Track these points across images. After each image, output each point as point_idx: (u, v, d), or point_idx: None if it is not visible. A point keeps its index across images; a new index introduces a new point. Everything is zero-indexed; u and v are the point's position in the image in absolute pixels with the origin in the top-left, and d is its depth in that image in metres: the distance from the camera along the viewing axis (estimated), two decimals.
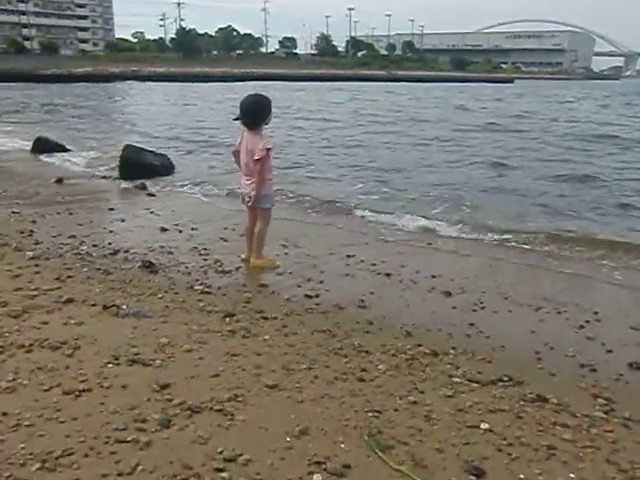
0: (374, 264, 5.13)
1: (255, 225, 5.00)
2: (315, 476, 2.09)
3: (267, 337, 3.38)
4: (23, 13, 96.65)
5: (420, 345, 3.40)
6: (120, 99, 35.64)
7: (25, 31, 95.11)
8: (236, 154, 4.98)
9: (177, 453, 2.15)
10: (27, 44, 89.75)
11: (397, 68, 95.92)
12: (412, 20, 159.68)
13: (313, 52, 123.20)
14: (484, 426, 2.51)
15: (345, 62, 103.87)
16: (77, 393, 2.54)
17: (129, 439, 2.21)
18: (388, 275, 4.86)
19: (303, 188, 8.66)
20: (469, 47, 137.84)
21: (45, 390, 2.55)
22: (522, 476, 2.19)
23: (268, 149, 4.71)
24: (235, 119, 4.79)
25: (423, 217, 6.93)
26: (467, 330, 3.76)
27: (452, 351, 3.39)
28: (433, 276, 4.86)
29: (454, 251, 5.71)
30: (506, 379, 3.03)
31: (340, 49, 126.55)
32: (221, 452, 2.18)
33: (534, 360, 3.36)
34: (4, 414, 2.32)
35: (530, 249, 5.82)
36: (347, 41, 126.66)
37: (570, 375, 3.19)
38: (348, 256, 5.35)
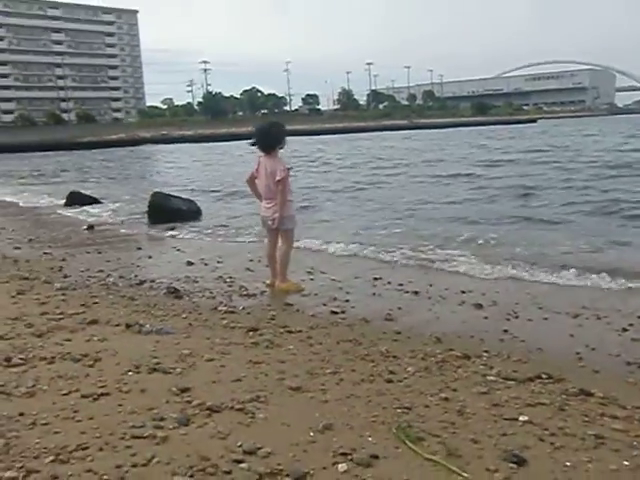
0: (401, 284, 5.01)
1: (278, 248, 4.97)
2: (340, 465, 1.95)
3: (291, 347, 3.28)
4: (62, 88, 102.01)
5: (451, 350, 3.25)
6: (150, 159, 36.84)
7: (63, 104, 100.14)
8: (251, 181, 5.00)
9: (194, 447, 2.05)
10: (65, 116, 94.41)
11: (419, 117, 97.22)
12: (431, 70, 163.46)
13: (335, 107, 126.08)
14: (523, 418, 2.34)
15: (367, 114, 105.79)
16: (95, 397, 2.47)
17: (145, 435, 2.12)
18: (416, 293, 4.73)
19: (325, 225, 8.64)
20: (490, 92, 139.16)
21: (64, 394, 2.49)
22: (568, 464, 2.01)
23: (288, 169, 4.74)
24: (252, 144, 4.85)
25: (452, 248, 6.75)
26: (500, 336, 3.60)
27: (485, 354, 3.22)
28: (463, 291, 4.71)
29: (483, 274, 5.53)
30: (545, 376, 2.86)
31: (362, 102, 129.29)
32: (240, 445, 2.06)
33: (575, 360, 3.18)
34: (21, 414, 2.27)
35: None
36: (368, 94, 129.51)
37: (616, 372, 3.00)
38: (375, 279, 5.24)
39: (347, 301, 4.48)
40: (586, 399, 2.59)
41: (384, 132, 67.58)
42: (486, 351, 3.27)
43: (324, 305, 4.38)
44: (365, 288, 4.92)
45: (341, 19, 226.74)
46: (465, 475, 1.91)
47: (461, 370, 2.93)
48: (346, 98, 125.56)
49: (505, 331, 3.68)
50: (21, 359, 2.95)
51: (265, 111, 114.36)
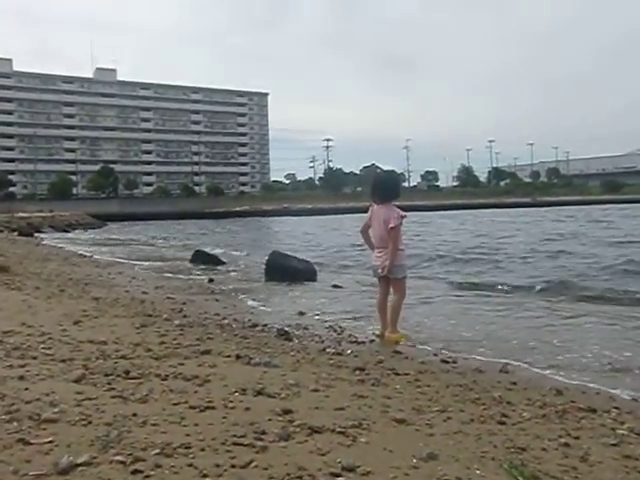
0: (517, 337, 4.71)
1: (388, 298, 4.92)
2: None
3: (397, 386, 3.16)
4: (196, 163, 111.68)
5: (573, 402, 2.96)
6: (271, 229, 38.63)
7: (196, 178, 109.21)
8: (365, 231, 5.05)
9: (293, 459, 2.01)
10: (197, 188, 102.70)
11: (542, 194, 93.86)
12: (556, 147, 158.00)
13: (455, 184, 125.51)
14: None
15: (487, 191, 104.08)
16: (202, 409, 2.53)
17: (246, 443, 2.12)
18: (533, 349, 4.41)
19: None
20: (621, 170, 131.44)
21: (173, 404, 2.58)
22: None
23: (402, 217, 4.75)
24: (371, 194, 4.94)
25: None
26: (635, 394, 3.21)
27: (615, 410, 2.89)
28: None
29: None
30: None
31: (482, 179, 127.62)
32: (339, 462, 1.99)
33: None
34: (134, 415, 2.37)
35: None
36: (489, 171, 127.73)
37: None
38: (491, 323, 4.98)
39: (459, 352, 4.28)
40: None
41: (506, 209, 65.61)
42: (616, 407, 2.94)
43: (435, 355, 4.21)
44: (479, 339, 4.68)
45: (462, 96, 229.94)
46: None
47: (585, 421, 2.65)
48: (466, 175, 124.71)
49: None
50: (138, 374, 3.11)
51: None
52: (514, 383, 3.40)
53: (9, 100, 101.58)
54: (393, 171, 5.17)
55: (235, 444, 2.12)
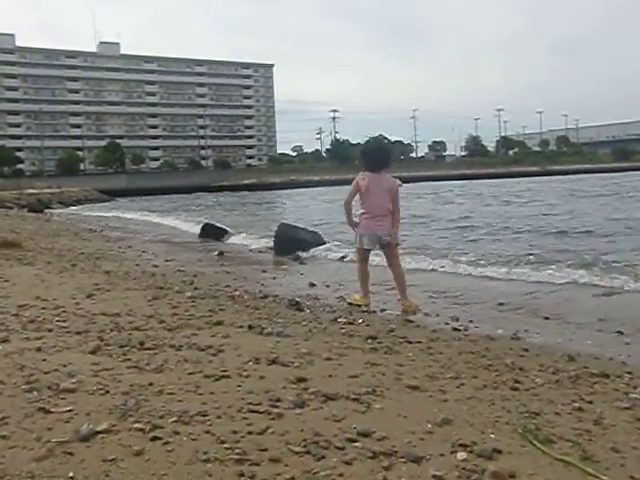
0: (530, 309, 4.71)
1: (394, 265, 4.89)
2: (459, 454, 1.83)
3: (410, 354, 3.18)
4: (202, 137, 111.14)
5: (586, 367, 2.96)
6: (277, 200, 38.55)
7: (203, 152, 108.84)
8: (350, 202, 4.96)
9: (309, 425, 2.03)
10: (203, 162, 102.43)
11: (551, 163, 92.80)
12: (565, 115, 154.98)
13: (463, 154, 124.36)
14: None
15: (496, 161, 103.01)
16: (217, 377, 2.56)
17: (261, 410, 2.15)
18: (546, 318, 4.41)
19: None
20: (633, 137, 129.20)
21: (188, 374, 2.61)
22: None
23: (399, 185, 4.70)
24: (364, 163, 4.87)
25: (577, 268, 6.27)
26: None
27: (627, 375, 2.90)
28: (600, 319, 4.32)
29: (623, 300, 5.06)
30: None
31: (490, 149, 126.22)
32: (355, 428, 2.01)
33: None
34: (150, 384, 2.40)
35: None
36: (497, 141, 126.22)
37: None
38: (500, 304, 4.99)
39: (471, 321, 4.29)
40: None
41: (514, 179, 64.93)
42: (629, 372, 2.94)
43: (446, 324, 4.23)
44: (490, 312, 4.69)
45: (468, 65, 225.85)
46: (604, 478, 1.70)
47: (598, 386, 2.66)
48: (474, 144, 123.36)
49: None
50: (153, 345, 3.15)
51: None
52: (526, 350, 3.41)
53: (13, 76, 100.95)
54: (382, 138, 5.08)
55: (251, 411, 2.14)
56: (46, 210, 29.13)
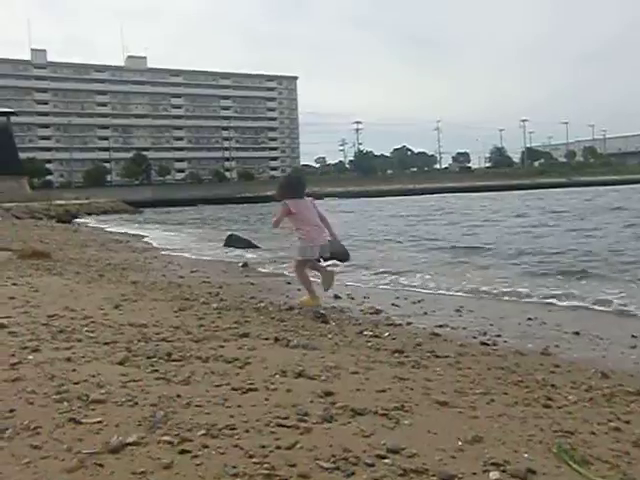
0: (559, 324, 4.62)
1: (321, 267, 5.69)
2: (492, 474, 1.79)
3: (438, 369, 3.13)
4: (226, 149, 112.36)
5: (621, 385, 2.88)
6: None
7: (227, 163, 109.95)
8: (278, 223, 5.78)
9: (337, 440, 2.01)
10: (227, 174, 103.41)
11: (578, 174, 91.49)
12: (592, 125, 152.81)
13: (487, 165, 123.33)
14: None
15: (521, 172, 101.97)
16: (244, 390, 2.55)
17: (289, 424, 2.14)
18: (577, 333, 4.32)
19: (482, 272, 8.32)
20: None
21: (216, 386, 2.61)
22: None
23: None
24: (286, 191, 5.60)
25: (611, 287, 6.14)
26: None
27: None
28: (633, 336, 4.21)
29: None
30: None
31: (515, 160, 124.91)
32: (384, 444, 1.99)
33: None
34: (178, 396, 2.41)
35: None
36: (522, 152, 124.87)
37: None
38: (529, 318, 4.90)
39: (499, 336, 4.22)
40: None
41: (540, 190, 63.94)
42: None
43: (474, 338, 4.16)
44: (518, 326, 4.61)
45: (492, 75, 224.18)
46: None
47: (635, 405, 2.58)
48: (498, 156, 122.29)
49: None
50: (180, 356, 3.16)
51: (415, 169, 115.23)
52: (557, 366, 3.33)
53: (44, 90, 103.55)
54: (299, 170, 6.04)
55: (279, 425, 2.13)
56: (74, 220, 29.69)
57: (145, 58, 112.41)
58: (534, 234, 13.97)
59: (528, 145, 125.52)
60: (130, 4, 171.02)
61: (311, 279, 5.74)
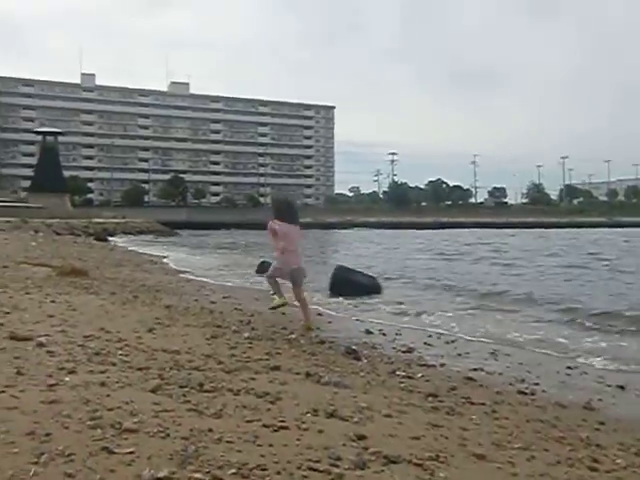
0: (601, 376, 4.45)
1: (298, 293, 6.17)
2: None
3: (474, 417, 3.04)
4: (262, 175, 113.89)
5: None
6: (334, 242, 38.69)
7: (262, 189, 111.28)
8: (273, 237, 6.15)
9: None
10: (262, 199, 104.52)
11: (620, 214, 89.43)
12: (637, 165, 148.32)
13: (524, 201, 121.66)
14: None
15: (559, 210, 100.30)
16: (275, 428, 2.51)
17: (321, 469, 2.09)
18: (622, 387, 4.14)
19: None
20: None
21: (247, 421, 2.58)
22: None
23: None
24: (280, 215, 6.07)
25: None
26: None
27: None
28: None
29: None
30: None
31: (553, 197, 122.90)
32: None
33: None
34: (209, 430, 2.38)
35: None
36: (561, 189, 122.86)
37: None
38: (568, 367, 4.74)
39: (537, 384, 4.08)
40: None
41: (579, 229, 62.37)
42: None
43: (510, 385, 4.04)
44: (557, 375, 4.46)
45: (532, 109, 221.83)
46: None
47: None
48: (536, 192, 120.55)
49: None
50: (212, 387, 3.14)
51: (449, 202, 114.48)
52: (602, 423, 3.19)
53: (90, 112, 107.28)
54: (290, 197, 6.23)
55: (311, 469, 2.08)
56: (110, 239, 30.33)
57: (188, 84, 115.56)
58: (573, 277, 13.64)
59: (567, 182, 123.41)
60: (175, 34, 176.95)
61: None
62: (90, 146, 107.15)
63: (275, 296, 6.27)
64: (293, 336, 5.46)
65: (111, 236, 33.80)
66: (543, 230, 59.17)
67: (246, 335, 5.15)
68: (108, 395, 2.80)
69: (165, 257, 18.60)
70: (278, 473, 2.02)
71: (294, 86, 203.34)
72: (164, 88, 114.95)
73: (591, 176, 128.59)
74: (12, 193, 71.18)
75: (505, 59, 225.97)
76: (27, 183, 66.66)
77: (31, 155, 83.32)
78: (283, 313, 7.18)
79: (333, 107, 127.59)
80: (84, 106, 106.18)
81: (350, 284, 9.96)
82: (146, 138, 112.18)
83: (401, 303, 9.02)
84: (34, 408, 2.50)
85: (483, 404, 3.36)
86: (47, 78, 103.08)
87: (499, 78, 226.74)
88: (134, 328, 4.94)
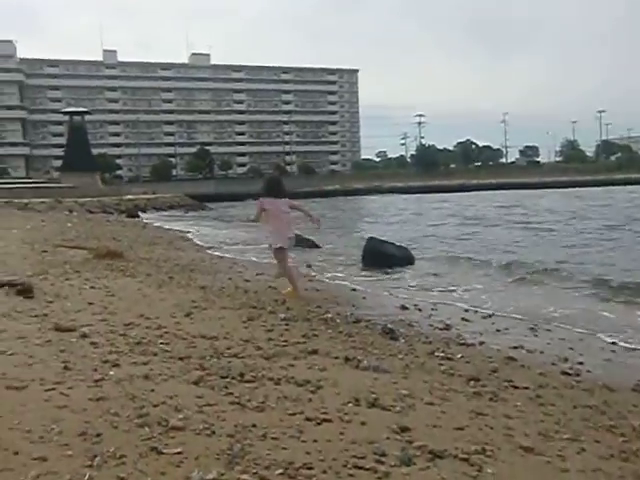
0: None
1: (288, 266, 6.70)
2: None
3: (518, 403, 3.00)
4: (287, 143, 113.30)
5: None
6: (361, 208, 38.50)
7: (287, 158, 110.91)
8: (257, 218, 6.93)
9: None
10: (288, 168, 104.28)
11: None
12: None
13: (558, 159, 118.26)
14: None
15: (595, 167, 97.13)
16: (318, 421, 2.52)
17: (367, 467, 2.09)
18: None
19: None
20: None
21: (290, 414, 2.59)
22: None
23: None
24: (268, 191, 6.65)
25: None
26: None
27: None
28: None
29: None
30: None
31: (589, 154, 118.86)
32: None
33: None
34: (253, 425, 2.40)
35: None
36: (597, 145, 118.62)
37: None
38: (613, 343, 4.64)
39: (581, 363, 4.00)
40: None
41: (617, 187, 60.16)
42: None
43: (553, 365, 3.97)
44: (602, 352, 4.37)
45: (565, 63, 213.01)
46: None
47: None
48: (570, 149, 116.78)
49: None
50: (252, 377, 3.17)
51: (479, 163, 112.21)
52: None
53: (114, 89, 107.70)
54: (279, 174, 6.75)
55: (356, 467, 2.08)
56: (141, 215, 30.74)
57: (209, 55, 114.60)
58: (610, 244, 13.29)
59: (604, 138, 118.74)
60: (194, 4, 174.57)
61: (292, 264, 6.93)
62: (116, 123, 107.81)
63: (290, 289, 6.64)
64: (329, 315, 5.46)
65: (143, 212, 34.26)
66: (578, 189, 57.71)
67: (282, 316, 5.17)
68: (152, 390, 2.84)
69: (197, 232, 18.79)
70: (324, 472, 2.03)
71: (316, 52, 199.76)
72: (185, 60, 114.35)
73: (630, 130, 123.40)
74: (45, 174, 72.55)
75: (537, 11, 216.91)
76: (58, 163, 67.60)
77: (60, 135, 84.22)
78: (317, 289, 7.20)
79: (357, 70, 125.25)
80: (108, 83, 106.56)
81: (382, 256, 9.93)
82: (170, 112, 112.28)
83: (434, 274, 8.95)
84: (83, 406, 2.55)
85: (527, 388, 3.31)
86: (70, 57, 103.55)
87: (530, 32, 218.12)
88: (172, 313, 5.01)
